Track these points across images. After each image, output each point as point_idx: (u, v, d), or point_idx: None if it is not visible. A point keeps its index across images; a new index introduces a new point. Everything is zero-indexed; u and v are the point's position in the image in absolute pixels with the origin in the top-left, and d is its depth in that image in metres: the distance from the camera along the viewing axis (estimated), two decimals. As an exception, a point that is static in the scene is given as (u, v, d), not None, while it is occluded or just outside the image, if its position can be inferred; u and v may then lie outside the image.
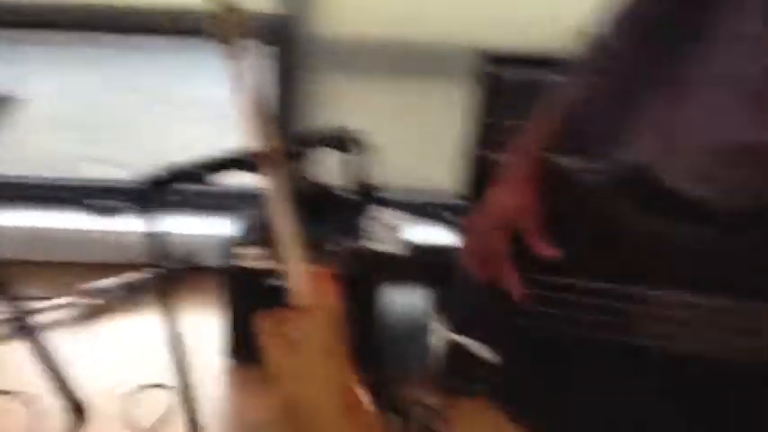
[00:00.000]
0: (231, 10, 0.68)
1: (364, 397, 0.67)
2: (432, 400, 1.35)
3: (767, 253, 0.85)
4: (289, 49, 2.46)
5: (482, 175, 1.50)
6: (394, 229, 2.26)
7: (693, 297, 0.89)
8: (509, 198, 1.04)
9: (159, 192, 1.52)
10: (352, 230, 2.15)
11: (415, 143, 2.58)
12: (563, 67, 1.10)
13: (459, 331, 1.13)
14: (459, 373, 1.20)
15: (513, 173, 1.06)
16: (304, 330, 0.66)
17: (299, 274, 0.68)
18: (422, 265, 2.37)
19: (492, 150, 2.03)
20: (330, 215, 2.11)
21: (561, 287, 1.00)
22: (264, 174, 0.69)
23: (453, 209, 2.49)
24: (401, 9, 2.43)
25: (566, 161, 1.06)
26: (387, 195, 2.20)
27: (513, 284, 1.03)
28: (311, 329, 0.66)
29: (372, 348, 2.03)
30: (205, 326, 2.19)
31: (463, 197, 2.40)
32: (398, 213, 2.32)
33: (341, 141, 1.92)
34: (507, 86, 2.15)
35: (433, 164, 2.57)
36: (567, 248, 1.00)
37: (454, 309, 1.18)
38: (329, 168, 2.11)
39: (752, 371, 0.84)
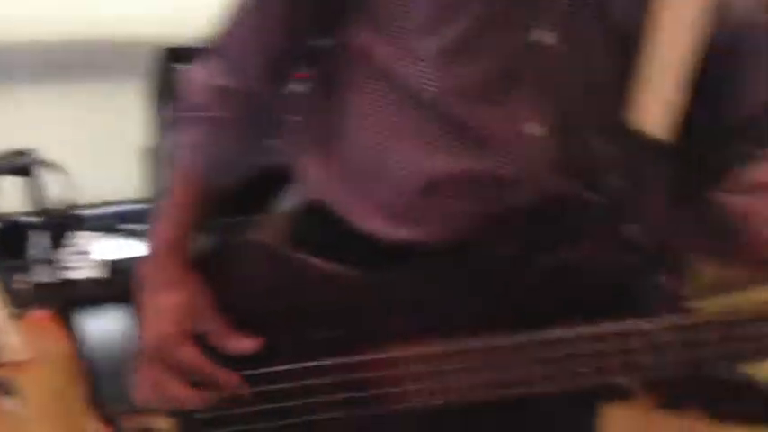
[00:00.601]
0: None
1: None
2: (161, 423, 1.19)
3: (487, 285, 0.85)
4: None
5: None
6: (87, 251, 2.15)
7: (433, 347, 0.84)
8: (162, 317, 0.90)
9: None
10: (47, 260, 1.98)
11: (97, 152, 2.44)
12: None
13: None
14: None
15: (150, 287, 0.93)
16: (30, 387, 0.60)
17: (7, 328, 0.59)
18: (121, 284, 2.29)
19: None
20: (20, 249, 1.92)
21: (279, 376, 0.90)
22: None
23: (143, 215, 2.45)
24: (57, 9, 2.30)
25: (217, 239, 0.96)
26: (77, 215, 2.09)
27: (231, 387, 0.90)
28: (40, 382, 0.58)
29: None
30: None
31: (147, 199, 2.36)
32: (90, 233, 2.21)
33: (20, 165, 1.75)
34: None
35: (120, 171, 2.45)
36: (265, 332, 0.90)
37: None
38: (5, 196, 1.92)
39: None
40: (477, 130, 0.85)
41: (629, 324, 0.79)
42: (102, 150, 2.45)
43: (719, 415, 2.30)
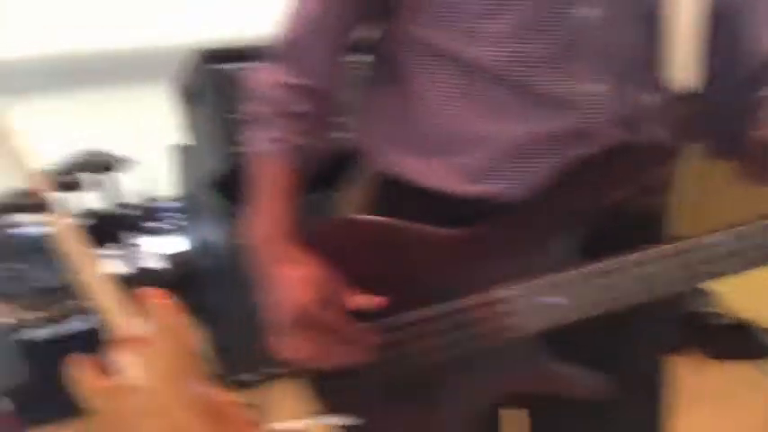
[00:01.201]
0: None
1: (228, 400, 0.64)
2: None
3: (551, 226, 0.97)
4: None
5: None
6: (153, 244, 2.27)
7: (515, 287, 0.95)
8: (298, 288, 0.99)
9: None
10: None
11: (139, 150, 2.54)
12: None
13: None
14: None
15: (275, 266, 1.02)
16: (152, 360, 0.62)
17: (119, 306, 0.64)
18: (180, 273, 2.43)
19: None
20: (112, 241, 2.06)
21: (397, 327, 1.00)
22: (43, 213, 0.64)
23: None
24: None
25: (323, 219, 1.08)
26: (152, 207, 2.19)
27: (363, 345, 1.00)
28: (161, 355, 0.62)
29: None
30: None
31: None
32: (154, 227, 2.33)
33: (101, 163, 1.85)
34: (225, 80, 2.19)
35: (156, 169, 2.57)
36: (384, 291, 0.99)
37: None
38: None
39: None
40: (547, 94, 0.95)
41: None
42: (141, 148, 2.55)
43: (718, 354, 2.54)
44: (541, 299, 0.95)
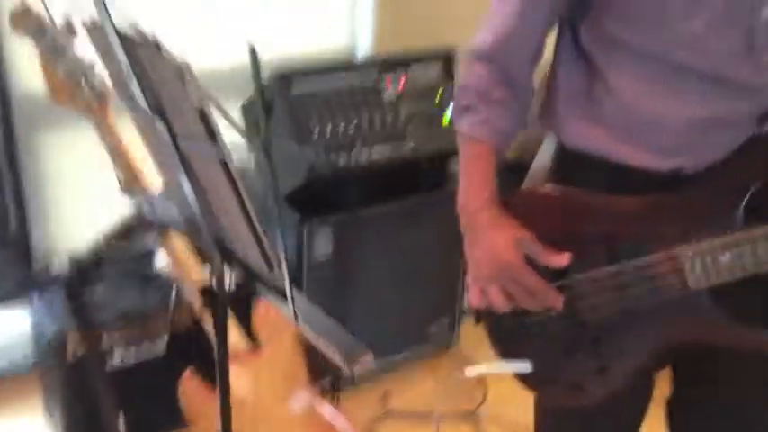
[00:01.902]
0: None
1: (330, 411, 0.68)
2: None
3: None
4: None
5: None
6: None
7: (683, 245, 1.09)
8: (503, 248, 1.15)
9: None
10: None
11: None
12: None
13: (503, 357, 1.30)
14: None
15: (484, 229, 1.19)
16: (261, 375, 0.66)
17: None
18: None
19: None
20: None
21: (580, 283, 1.17)
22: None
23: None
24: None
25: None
26: None
27: (551, 297, 1.16)
28: (271, 369, 0.67)
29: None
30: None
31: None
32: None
33: None
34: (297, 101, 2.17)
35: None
36: (569, 249, 1.14)
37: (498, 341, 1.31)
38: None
39: None
40: (733, 81, 1.06)
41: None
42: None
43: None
44: (717, 257, 1.07)
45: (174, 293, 1.70)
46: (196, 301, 1.02)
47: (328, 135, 2.18)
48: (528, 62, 1.21)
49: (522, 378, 1.29)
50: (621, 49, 1.11)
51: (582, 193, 1.17)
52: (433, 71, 2.39)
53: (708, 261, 1.08)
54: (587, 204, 1.17)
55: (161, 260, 1.20)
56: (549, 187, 1.23)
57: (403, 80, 2.32)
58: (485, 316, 1.29)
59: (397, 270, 2.40)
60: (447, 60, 2.42)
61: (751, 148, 1.11)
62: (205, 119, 0.69)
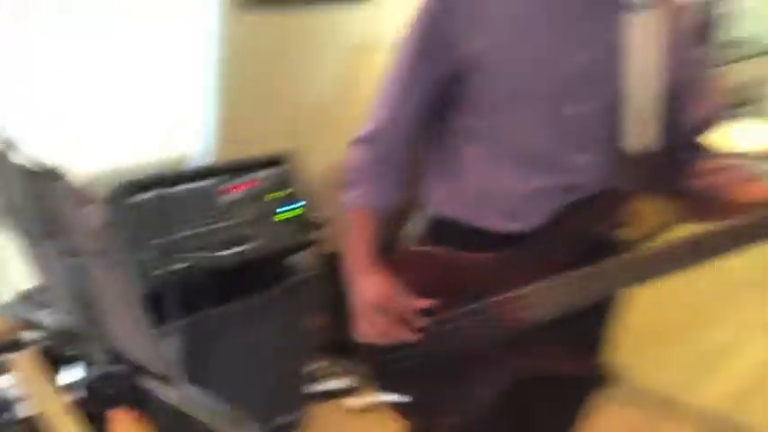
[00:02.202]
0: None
1: None
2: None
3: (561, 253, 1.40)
4: None
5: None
6: None
7: (527, 287, 1.39)
8: (375, 289, 1.47)
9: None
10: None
11: None
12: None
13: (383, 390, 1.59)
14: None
15: (362, 276, 1.49)
16: None
17: None
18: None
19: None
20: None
21: (445, 320, 1.47)
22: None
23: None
24: None
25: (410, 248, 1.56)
26: None
27: (417, 334, 1.46)
28: None
29: None
30: None
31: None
32: None
33: None
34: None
35: None
36: (435, 296, 1.46)
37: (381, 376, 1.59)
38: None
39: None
40: (552, 162, 1.41)
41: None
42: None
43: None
44: (551, 296, 1.38)
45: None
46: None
47: (168, 242, 2.28)
48: (403, 145, 1.52)
49: (400, 408, 1.55)
50: (473, 138, 1.45)
51: (445, 251, 1.48)
52: (271, 175, 2.60)
53: (544, 300, 1.39)
54: (449, 259, 1.47)
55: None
56: (418, 246, 1.55)
57: (242, 185, 2.51)
58: (367, 354, 1.55)
59: (245, 366, 2.51)
60: (284, 165, 2.64)
61: (567, 213, 1.43)
62: (100, 237, 0.81)
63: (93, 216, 0.82)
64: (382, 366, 1.55)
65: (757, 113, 4.63)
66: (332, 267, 2.97)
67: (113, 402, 1.82)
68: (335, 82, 3.21)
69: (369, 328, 1.49)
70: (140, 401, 1.37)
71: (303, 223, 2.67)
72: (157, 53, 2.61)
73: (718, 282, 4.14)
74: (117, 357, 1.03)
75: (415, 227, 1.62)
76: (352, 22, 3.19)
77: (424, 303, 1.46)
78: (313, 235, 2.70)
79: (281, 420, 2.70)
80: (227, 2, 2.72)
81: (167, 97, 2.68)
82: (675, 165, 1.49)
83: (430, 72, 1.45)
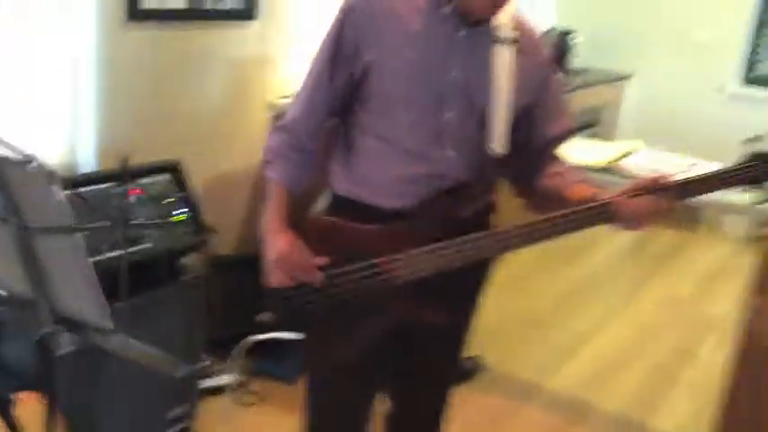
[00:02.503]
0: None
1: None
2: None
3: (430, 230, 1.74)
4: None
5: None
6: None
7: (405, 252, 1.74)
8: (285, 244, 1.79)
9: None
10: None
11: None
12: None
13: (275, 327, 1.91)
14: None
15: (273, 234, 1.81)
16: None
17: None
18: None
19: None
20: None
21: (339, 273, 1.80)
22: None
23: None
24: None
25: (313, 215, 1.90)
26: None
27: (317, 278, 1.79)
28: None
29: None
30: None
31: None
32: None
33: None
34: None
35: None
36: (332, 255, 1.80)
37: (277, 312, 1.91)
38: None
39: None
40: (426, 155, 1.76)
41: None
42: None
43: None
44: (419, 261, 1.75)
45: None
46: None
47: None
48: (313, 135, 1.86)
49: (301, 342, 1.91)
50: (367, 132, 1.79)
51: (341, 221, 1.82)
52: (162, 181, 2.80)
53: (414, 263, 1.75)
54: (344, 227, 1.82)
55: None
56: (323, 217, 1.89)
57: (136, 190, 2.69)
58: (275, 297, 1.88)
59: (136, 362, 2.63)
60: (174, 171, 2.84)
61: (437, 196, 1.78)
62: (63, 211, 1.01)
63: (58, 194, 1.02)
64: (286, 308, 1.87)
65: (595, 134, 5.23)
66: (219, 269, 3.20)
67: (20, 386, 1.99)
68: (223, 95, 3.40)
69: (277, 275, 1.81)
70: (47, 386, 1.56)
71: (192, 227, 2.86)
72: (37, 66, 2.72)
73: (579, 275, 4.65)
74: (60, 319, 1.22)
75: (322, 201, 1.95)
76: (237, 39, 3.41)
77: (322, 260, 1.78)
78: (201, 238, 2.89)
79: (172, 414, 2.85)
80: (111, 17, 2.87)
81: (47, 110, 2.79)
82: (531, 167, 1.89)
83: (336, 75, 1.79)
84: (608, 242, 5.32)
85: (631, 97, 5.84)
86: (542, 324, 4.11)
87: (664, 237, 5.47)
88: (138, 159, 2.74)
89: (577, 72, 5.39)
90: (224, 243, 3.41)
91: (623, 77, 5.76)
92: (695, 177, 1.67)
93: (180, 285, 2.80)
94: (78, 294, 1.17)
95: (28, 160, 1.05)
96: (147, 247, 2.67)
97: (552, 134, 1.88)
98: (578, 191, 1.77)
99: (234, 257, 3.59)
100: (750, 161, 1.64)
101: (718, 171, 1.67)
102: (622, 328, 4.13)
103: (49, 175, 1.05)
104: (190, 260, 2.94)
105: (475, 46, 1.74)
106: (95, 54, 2.86)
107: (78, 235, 1.09)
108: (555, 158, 1.90)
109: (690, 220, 5.60)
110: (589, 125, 5.33)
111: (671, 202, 1.65)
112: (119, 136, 2.97)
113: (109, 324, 1.15)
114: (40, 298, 1.20)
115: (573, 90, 4.98)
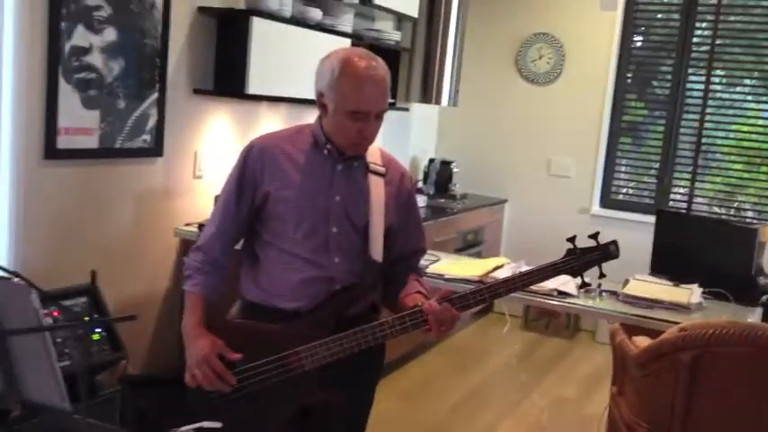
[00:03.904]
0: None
1: None
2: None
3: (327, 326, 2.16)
4: None
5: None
6: None
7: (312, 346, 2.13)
8: (203, 348, 2.14)
9: None
10: None
11: None
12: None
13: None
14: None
15: (193, 337, 2.18)
16: None
17: None
18: None
19: None
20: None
21: (250, 368, 2.16)
22: None
23: None
24: None
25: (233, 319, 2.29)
26: None
27: (230, 377, 2.14)
28: None
29: None
30: None
31: None
32: None
33: None
34: None
35: None
36: (244, 352, 2.16)
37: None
38: None
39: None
40: (317, 262, 2.19)
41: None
42: None
43: None
44: (319, 351, 2.15)
45: None
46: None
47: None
48: (225, 251, 2.27)
49: None
50: (267, 246, 2.22)
51: (251, 323, 2.21)
52: (80, 302, 3.13)
53: (314, 354, 2.12)
54: (254, 328, 2.21)
55: None
56: (235, 320, 2.28)
57: (56, 311, 3.01)
58: (195, 394, 2.16)
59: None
60: (92, 294, 3.17)
61: (328, 298, 2.20)
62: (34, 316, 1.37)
63: (34, 302, 1.39)
64: (203, 403, 2.17)
65: (480, 253, 5.80)
66: (133, 385, 3.45)
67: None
68: (132, 223, 3.79)
69: (196, 376, 2.13)
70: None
71: (108, 345, 3.17)
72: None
73: (474, 381, 4.98)
74: (24, 403, 1.55)
75: (235, 308, 2.36)
76: (145, 174, 3.84)
77: (236, 356, 2.15)
78: (116, 356, 3.20)
79: None
80: (28, 155, 3.20)
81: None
82: (392, 275, 2.36)
83: (242, 202, 2.23)
84: (500, 350, 5.79)
85: (508, 219, 6.52)
86: (441, 430, 4.44)
87: (549, 344, 5.99)
88: (54, 285, 3.07)
89: (458, 197, 6.03)
90: (133, 362, 3.67)
91: (502, 201, 6.45)
92: (519, 274, 2.19)
93: (98, 400, 3.06)
94: (41, 384, 1.51)
95: (11, 277, 1.42)
96: (66, 365, 2.91)
97: (410, 249, 2.38)
98: (410, 299, 2.23)
99: (143, 376, 3.84)
100: (567, 257, 2.16)
101: (540, 266, 2.19)
102: (515, 428, 4.50)
103: (27, 288, 1.43)
104: (107, 376, 3.21)
105: (351, 176, 2.24)
106: (10, 190, 3.19)
107: (47, 335, 1.46)
108: (413, 268, 2.40)
109: (571, 330, 6.18)
110: (474, 244, 5.88)
111: (458, 310, 2.13)
112: (33, 264, 3.25)
113: (67, 407, 1.49)
114: (8, 386, 1.53)
115: (456, 213, 5.59)
